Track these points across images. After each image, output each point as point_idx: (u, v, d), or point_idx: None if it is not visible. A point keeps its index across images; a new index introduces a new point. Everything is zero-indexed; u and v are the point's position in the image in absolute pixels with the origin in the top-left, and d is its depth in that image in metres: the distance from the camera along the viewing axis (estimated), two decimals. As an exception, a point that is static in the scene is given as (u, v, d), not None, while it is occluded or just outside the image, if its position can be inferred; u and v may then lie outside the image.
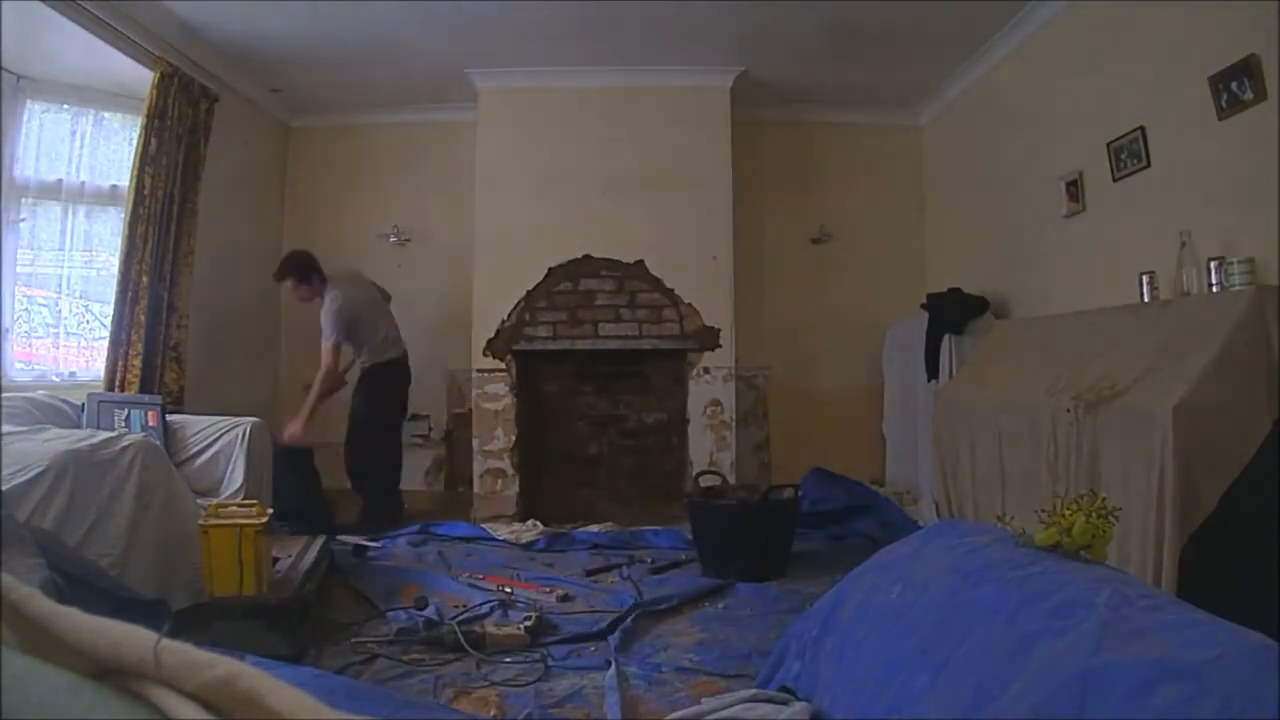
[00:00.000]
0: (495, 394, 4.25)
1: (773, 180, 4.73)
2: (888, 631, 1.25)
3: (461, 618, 2.49)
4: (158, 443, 2.61)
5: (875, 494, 3.90)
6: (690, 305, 4.23)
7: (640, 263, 4.24)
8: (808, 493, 3.93)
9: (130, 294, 3.33)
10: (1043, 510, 1.26)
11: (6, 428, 2.38)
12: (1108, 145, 2.95)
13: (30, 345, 3.49)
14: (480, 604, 2.67)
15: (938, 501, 3.48)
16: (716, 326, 4.23)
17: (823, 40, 3.84)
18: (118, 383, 3.32)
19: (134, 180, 3.35)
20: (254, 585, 2.19)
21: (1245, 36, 2.29)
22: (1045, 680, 0.87)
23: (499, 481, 4.22)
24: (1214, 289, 2.28)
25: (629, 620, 2.50)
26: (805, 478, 4.02)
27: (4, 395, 2.85)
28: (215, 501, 2.47)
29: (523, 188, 4.29)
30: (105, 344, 3.39)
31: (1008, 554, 1.21)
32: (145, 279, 3.35)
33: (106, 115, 3.67)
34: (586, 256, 4.24)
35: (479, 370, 4.24)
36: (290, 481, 3.47)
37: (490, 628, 2.38)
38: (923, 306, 3.97)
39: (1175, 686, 0.74)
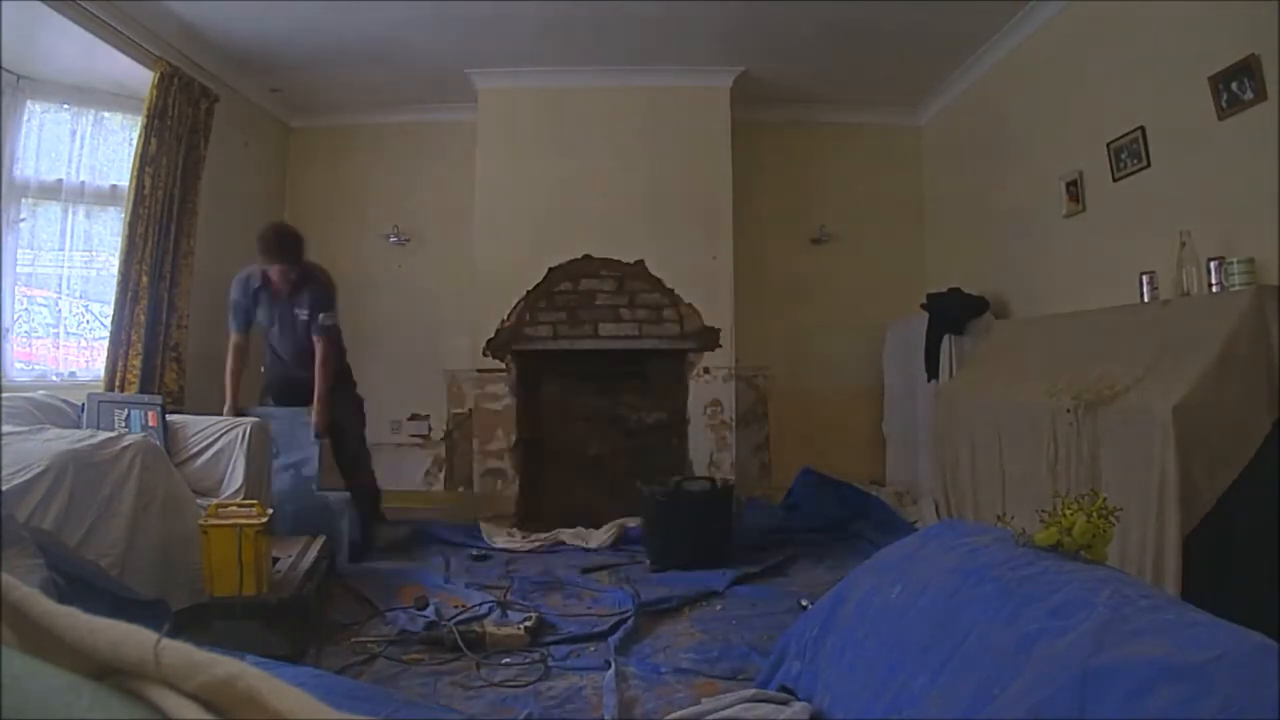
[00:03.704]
0: (495, 394, 4.25)
1: (773, 180, 4.73)
2: (888, 631, 1.25)
3: (461, 618, 2.49)
4: (158, 443, 2.60)
5: (866, 497, 3.90)
6: (690, 305, 4.23)
7: (640, 263, 4.24)
8: (799, 499, 3.95)
9: (130, 294, 3.33)
10: (1043, 510, 1.26)
11: (6, 428, 2.37)
12: (1108, 145, 2.95)
13: (30, 345, 3.49)
14: (480, 604, 2.67)
15: (937, 501, 3.48)
16: (716, 326, 4.23)
17: (822, 40, 3.84)
18: (118, 383, 3.32)
19: (134, 180, 3.35)
20: (254, 585, 2.19)
21: (1245, 36, 2.29)
22: (1046, 680, 0.87)
23: (499, 482, 4.22)
24: (1214, 289, 2.28)
25: (629, 621, 2.50)
26: (796, 480, 4.03)
27: (4, 395, 2.85)
28: (215, 501, 2.47)
29: (523, 187, 4.29)
30: (105, 344, 3.39)
31: (1008, 554, 1.21)
32: (145, 279, 3.35)
33: (106, 115, 3.67)
34: (586, 256, 4.24)
35: (479, 370, 4.24)
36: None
37: (490, 628, 2.37)
38: (923, 306, 3.97)
39: (1176, 686, 0.74)
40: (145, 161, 3.35)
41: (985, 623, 1.05)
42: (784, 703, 1.41)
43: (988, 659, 0.99)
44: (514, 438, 4.24)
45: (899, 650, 1.18)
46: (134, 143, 3.41)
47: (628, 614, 2.55)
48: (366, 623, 2.52)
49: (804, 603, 2.64)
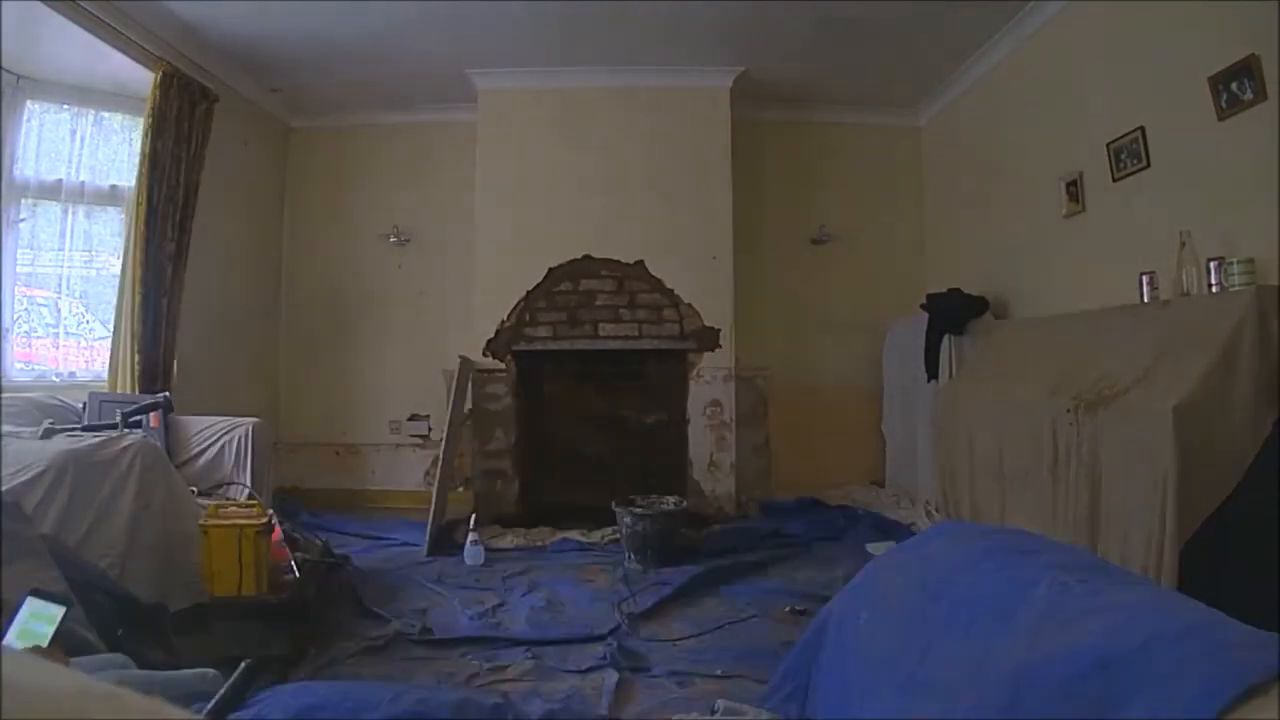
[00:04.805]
0: (495, 394, 4.25)
1: (773, 180, 4.73)
2: (859, 656, 1.24)
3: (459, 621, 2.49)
4: (158, 443, 2.60)
5: (857, 515, 3.96)
6: (690, 305, 4.23)
7: (640, 263, 4.24)
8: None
9: (130, 294, 3.33)
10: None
11: (6, 428, 2.37)
12: (1108, 145, 2.95)
13: (30, 345, 3.48)
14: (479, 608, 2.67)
15: (936, 502, 3.48)
16: (716, 326, 4.23)
17: (823, 40, 3.84)
18: (118, 383, 3.32)
19: (138, 181, 3.35)
20: (254, 585, 2.19)
21: (1245, 36, 2.29)
22: (984, 680, 0.86)
23: (499, 482, 4.22)
24: (1214, 289, 2.28)
25: (625, 622, 2.50)
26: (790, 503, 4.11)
27: (4, 395, 2.85)
28: (215, 502, 2.47)
29: (523, 187, 4.29)
30: (105, 344, 3.39)
31: (965, 558, 1.19)
32: (145, 279, 3.35)
33: (106, 115, 3.67)
34: (586, 256, 4.24)
35: (479, 370, 4.24)
36: None
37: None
38: (923, 306, 3.97)
39: (1107, 676, 0.73)
40: (145, 162, 3.34)
41: (942, 639, 1.04)
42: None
43: (946, 670, 0.98)
44: (514, 438, 4.24)
45: (868, 674, 1.18)
46: (134, 143, 3.41)
47: (622, 619, 2.56)
48: (366, 623, 2.52)
49: (796, 607, 2.64)
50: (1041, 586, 0.94)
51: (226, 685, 1.00)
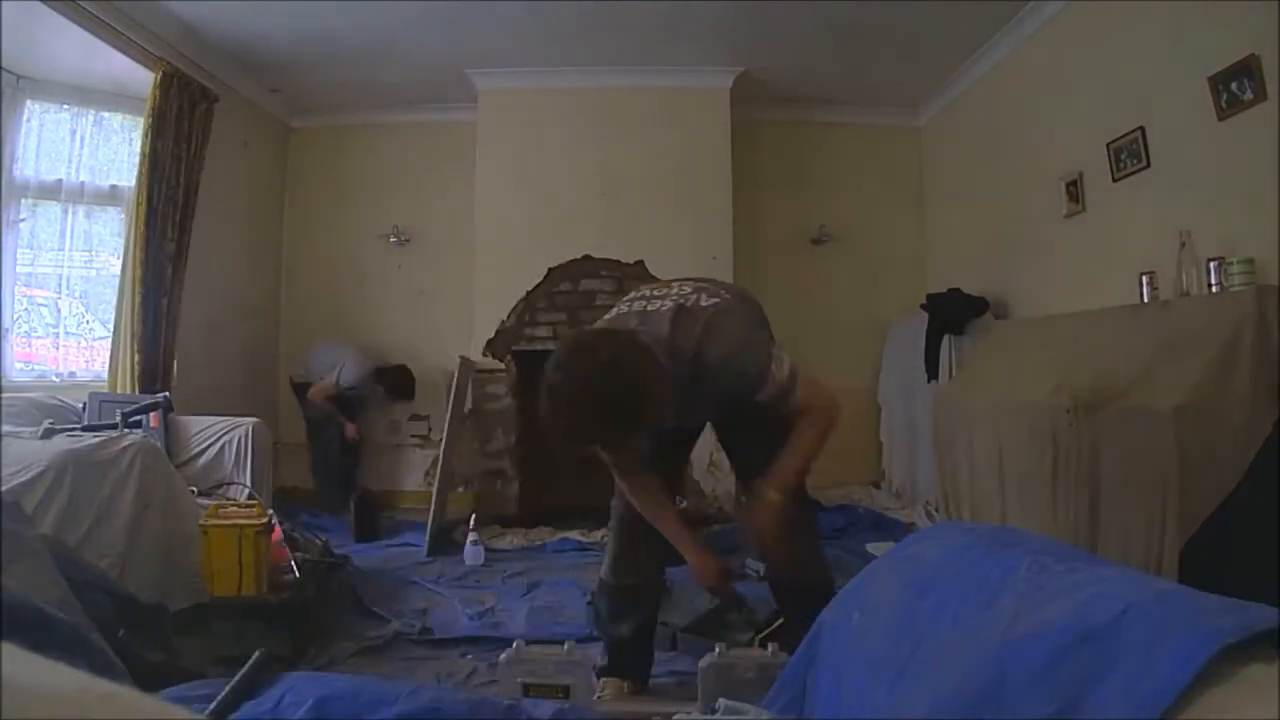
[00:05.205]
0: (495, 394, 4.25)
1: (773, 180, 4.73)
2: (854, 656, 1.24)
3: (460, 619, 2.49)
4: (157, 443, 2.60)
5: (857, 511, 3.98)
6: (690, 305, 4.22)
7: (640, 263, 4.24)
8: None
9: (130, 294, 3.33)
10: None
11: (6, 428, 2.37)
12: (1108, 145, 2.95)
13: (30, 345, 3.49)
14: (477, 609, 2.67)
15: (935, 502, 3.48)
16: (716, 326, 4.22)
17: (823, 40, 3.84)
18: (118, 383, 3.32)
19: (135, 180, 3.35)
20: (254, 585, 2.18)
21: (1245, 36, 2.29)
22: (969, 662, 0.86)
23: (499, 482, 4.22)
24: (1214, 289, 2.28)
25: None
26: None
27: (4, 395, 2.85)
28: (215, 502, 2.47)
29: (523, 188, 4.29)
30: (105, 344, 3.39)
31: (950, 553, 1.20)
32: (145, 279, 3.35)
33: (106, 115, 3.67)
34: (586, 257, 4.24)
35: (479, 370, 4.24)
36: None
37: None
38: (923, 307, 3.97)
39: (1088, 650, 0.73)
40: (146, 162, 3.34)
41: (930, 633, 1.04)
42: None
43: (936, 664, 0.99)
44: (514, 438, 4.23)
45: (861, 676, 1.18)
46: (134, 143, 3.42)
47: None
48: (366, 623, 2.52)
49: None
50: (1022, 569, 0.95)
51: (239, 675, 1.00)
